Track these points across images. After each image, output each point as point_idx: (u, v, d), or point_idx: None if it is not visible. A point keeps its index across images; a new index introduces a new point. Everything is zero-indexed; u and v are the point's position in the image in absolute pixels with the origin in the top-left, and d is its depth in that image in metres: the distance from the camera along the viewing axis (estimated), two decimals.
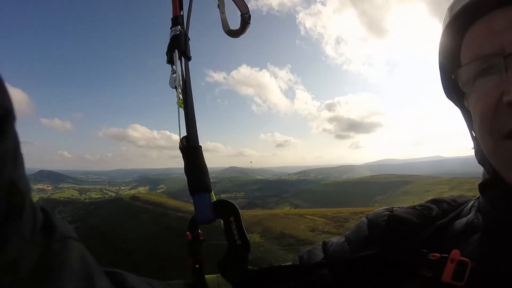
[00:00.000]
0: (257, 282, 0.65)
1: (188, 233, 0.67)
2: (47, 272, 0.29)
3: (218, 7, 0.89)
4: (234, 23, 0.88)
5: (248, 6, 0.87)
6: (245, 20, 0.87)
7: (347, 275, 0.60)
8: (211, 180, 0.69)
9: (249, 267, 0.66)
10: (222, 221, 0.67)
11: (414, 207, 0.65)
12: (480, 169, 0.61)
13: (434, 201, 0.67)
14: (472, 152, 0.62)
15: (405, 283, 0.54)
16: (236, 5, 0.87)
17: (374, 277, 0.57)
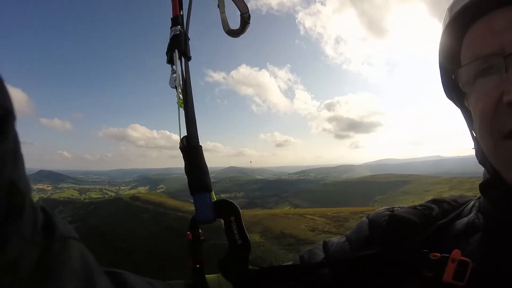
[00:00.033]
0: (258, 282, 0.65)
1: (188, 233, 0.67)
2: (47, 272, 0.29)
3: (218, 7, 0.89)
4: (234, 23, 0.88)
5: (248, 6, 0.87)
6: (245, 19, 0.87)
7: (347, 275, 0.60)
8: (211, 180, 0.69)
9: (249, 266, 0.66)
10: (222, 221, 0.67)
11: (414, 207, 0.65)
12: (479, 169, 0.61)
13: (434, 201, 0.67)
14: (471, 152, 0.62)
15: (406, 283, 0.54)
16: (236, 5, 0.87)
17: (375, 277, 0.57)
